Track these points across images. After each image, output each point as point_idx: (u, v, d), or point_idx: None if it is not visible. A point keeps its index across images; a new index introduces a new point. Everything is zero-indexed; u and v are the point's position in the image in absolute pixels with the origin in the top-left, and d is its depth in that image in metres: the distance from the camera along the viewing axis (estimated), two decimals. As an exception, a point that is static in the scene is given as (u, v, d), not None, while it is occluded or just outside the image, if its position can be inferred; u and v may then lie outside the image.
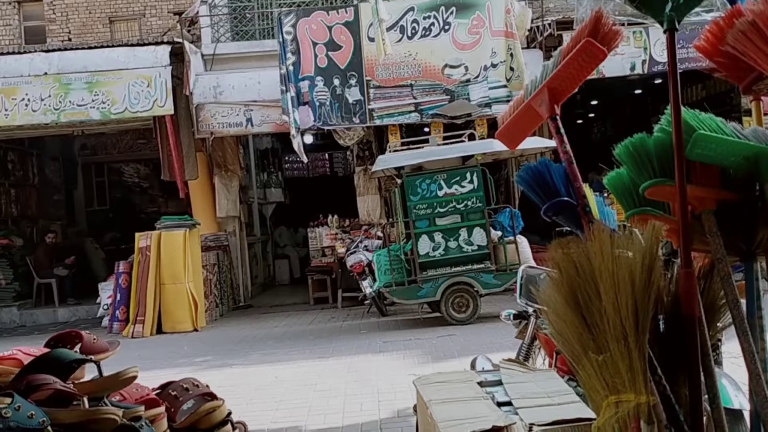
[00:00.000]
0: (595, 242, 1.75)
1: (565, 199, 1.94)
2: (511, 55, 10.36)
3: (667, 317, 1.85)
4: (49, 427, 1.51)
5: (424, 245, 8.45)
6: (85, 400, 1.63)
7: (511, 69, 10.37)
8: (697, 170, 1.78)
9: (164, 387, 2.03)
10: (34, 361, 1.75)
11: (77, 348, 1.86)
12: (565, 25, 10.47)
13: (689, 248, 1.77)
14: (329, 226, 12.17)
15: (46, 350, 1.84)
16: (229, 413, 2.03)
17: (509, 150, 8.67)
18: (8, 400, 1.52)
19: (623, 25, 2.09)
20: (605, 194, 6.19)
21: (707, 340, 1.79)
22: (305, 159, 10.82)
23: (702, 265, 1.92)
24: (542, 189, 1.97)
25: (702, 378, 1.77)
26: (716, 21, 1.61)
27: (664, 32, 1.80)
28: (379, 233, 10.61)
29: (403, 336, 8.01)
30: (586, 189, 1.99)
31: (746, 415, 2.40)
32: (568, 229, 2.10)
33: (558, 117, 2.01)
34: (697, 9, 1.88)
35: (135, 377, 1.78)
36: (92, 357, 1.81)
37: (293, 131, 10.11)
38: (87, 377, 1.87)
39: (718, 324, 1.96)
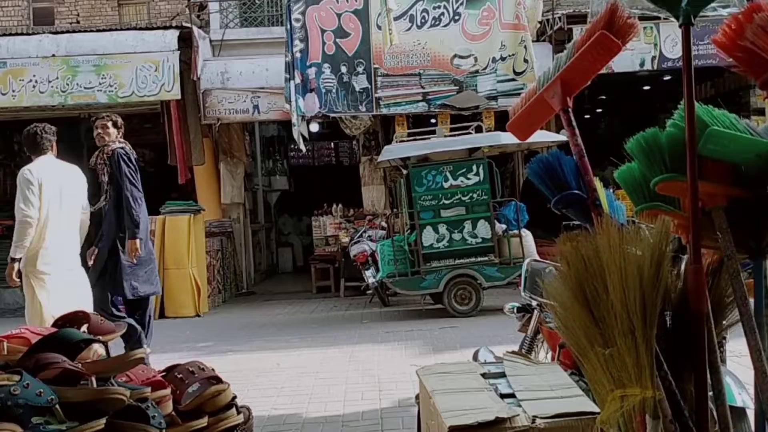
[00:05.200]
0: (604, 236, 1.75)
1: (576, 192, 1.93)
2: (525, 47, 10.30)
3: (674, 313, 1.85)
4: (57, 406, 1.52)
5: (428, 236, 8.45)
6: (93, 379, 1.64)
7: (525, 61, 10.32)
8: (709, 166, 1.77)
9: (170, 370, 2.03)
10: (42, 340, 1.76)
11: (84, 328, 1.88)
12: (576, 18, 10.41)
13: (699, 244, 1.76)
14: (333, 216, 12.17)
15: (54, 330, 1.85)
16: (234, 397, 2.04)
17: (516, 143, 8.67)
18: (17, 377, 1.54)
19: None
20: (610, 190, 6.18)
21: (714, 337, 1.79)
22: (304, 148, 10.82)
23: (710, 261, 1.92)
24: (553, 181, 1.96)
25: (707, 375, 1.77)
26: (735, 16, 1.60)
27: (680, 27, 1.79)
28: (383, 223, 10.61)
29: (404, 327, 8.02)
30: (597, 183, 1.98)
31: (749, 413, 2.40)
32: (576, 222, 2.10)
33: (570, 109, 2.00)
34: (713, 4, 1.87)
35: (143, 359, 1.79)
36: (100, 337, 1.82)
37: (294, 119, 10.10)
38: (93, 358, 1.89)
39: (723, 322, 1.96)
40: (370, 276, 9.50)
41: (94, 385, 1.63)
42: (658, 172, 1.80)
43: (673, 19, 1.81)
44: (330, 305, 10.26)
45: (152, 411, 1.71)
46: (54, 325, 1.95)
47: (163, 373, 1.97)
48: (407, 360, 6.12)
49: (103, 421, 1.57)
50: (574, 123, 1.99)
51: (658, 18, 9.45)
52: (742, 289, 1.76)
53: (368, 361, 6.26)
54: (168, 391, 1.83)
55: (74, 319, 1.91)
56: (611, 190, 2.72)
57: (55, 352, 1.67)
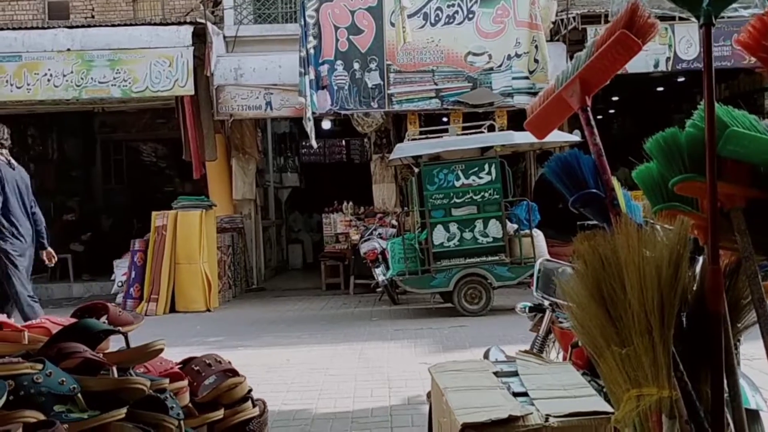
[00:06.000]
0: (622, 236, 1.75)
1: (594, 191, 1.93)
2: (536, 47, 10.28)
3: (691, 314, 1.85)
4: (79, 394, 1.54)
5: (438, 235, 8.44)
6: (114, 369, 1.66)
7: (536, 61, 10.30)
8: (728, 167, 1.77)
9: (187, 362, 2.05)
10: (63, 330, 1.78)
11: (104, 319, 1.90)
12: (590, 18, 10.37)
13: (717, 245, 1.76)
14: (344, 213, 12.19)
15: (74, 320, 1.87)
16: (250, 390, 2.06)
17: (528, 142, 8.65)
18: (40, 366, 1.56)
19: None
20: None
21: (731, 338, 1.79)
22: (315, 144, 10.84)
23: (728, 262, 1.91)
24: (571, 180, 1.96)
25: (724, 376, 1.76)
26: (760, 17, 1.59)
27: (700, 27, 1.79)
28: (394, 221, 10.62)
29: (414, 325, 8.03)
30: (615, 182, 1.98)
31: (763, 416, 2.40)
32: (591, 222, 2.09)
33: (589, 108, 2.00)
34: (734, 5, 1.86)
35: (162, 350, 1.81)
36: (120, 328, 1.84)
37: (309, 114, 10.11)
38: (112, 348, 1.90)
39: (739, 324, 1.95)
40: (380, 274, 9.51)
41: (115, 374, 1.64)
42: (676, 173, 1.79)
43: (689, 19, 1.80)
44: (339, 302, 10.27)
45: (171, 402, 1.73)
46: (74, 315, 1.97)
47: (180, 365, 1.99)
48: (417, 358, 6.13)
49: (124, 410, 1.59)
50: (593, 122, 1.99)
51: (673, 19, 9.42)
52: (759, 291, 1.75)
53: (378, 359, 6.27)
54: (185, 382, 1.85)
55: (94, 309, 1.94)
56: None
57: (76, 342, 1.69)
